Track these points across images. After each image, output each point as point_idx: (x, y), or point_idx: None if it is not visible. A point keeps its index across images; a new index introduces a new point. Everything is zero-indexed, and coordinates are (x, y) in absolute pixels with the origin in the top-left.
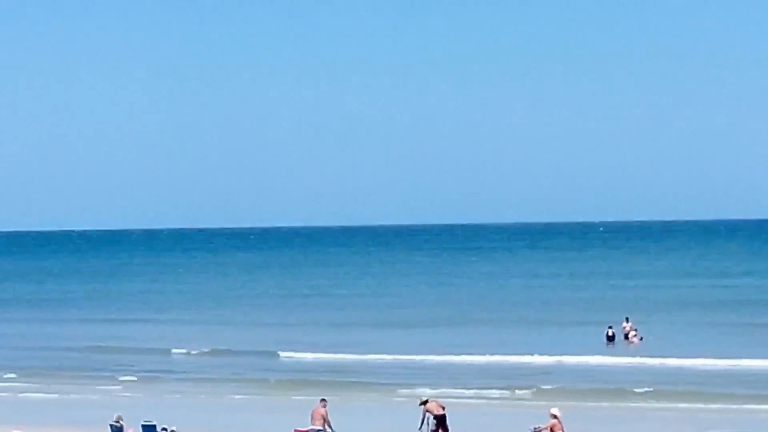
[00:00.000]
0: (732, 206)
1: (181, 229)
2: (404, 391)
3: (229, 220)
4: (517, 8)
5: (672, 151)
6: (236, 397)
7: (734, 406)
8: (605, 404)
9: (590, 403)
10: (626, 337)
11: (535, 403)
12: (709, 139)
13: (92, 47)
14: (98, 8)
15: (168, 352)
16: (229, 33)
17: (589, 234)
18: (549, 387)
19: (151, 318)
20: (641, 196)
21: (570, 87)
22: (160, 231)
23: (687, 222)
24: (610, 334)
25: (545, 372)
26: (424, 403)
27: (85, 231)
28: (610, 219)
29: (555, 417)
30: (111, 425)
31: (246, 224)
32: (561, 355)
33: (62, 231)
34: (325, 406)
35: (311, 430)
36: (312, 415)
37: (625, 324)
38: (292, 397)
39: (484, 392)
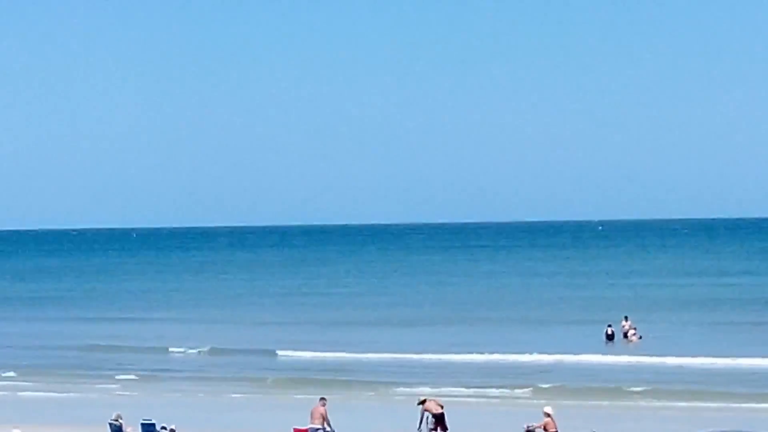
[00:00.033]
0: (731, 205)
1: (179, 228)
2: (403, 389)
3: (228, 219)
4: (518, 7)
5: (671, 150)
6: (235, 395)
7: (734, 405)
8: (604, 403)
9: (589, 402)
10: (625, 335)
11: (534, 401)
12: (708, 138)
13: (92, 46)
14: (98, 7)
15: (167, 350)
16: (229, 32)
17: (588, 233)
18: (548, 386)
19: (150, 317)
20: (640, 194)
21: (570, 86)
22: (159, 230)
23: (686, 220)
24: (609, 332)
25: (544, 371)
26: (422, 402)
27: (83, 230)
28: (609, 218)
29: (548, 415)
30: (110, 424)
31: (245, 223)
32: (560, 353)
33: (60, 230)
34: (324, 405)
35: (310, 428)
36: (311, 414)
37: (624, 323)
38: (291, 396)
39: (483, 391)
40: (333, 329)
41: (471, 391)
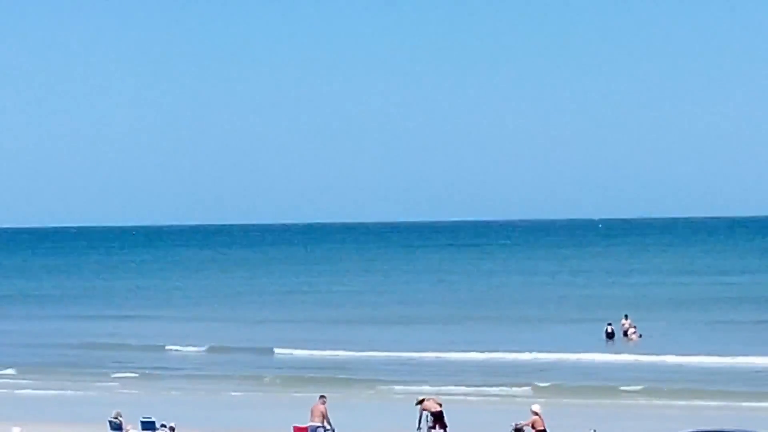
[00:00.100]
0: (732, 203)
1: (180, 225)
2: (402, 388)
3: (229, 217)
4: (519, 7)
5: (671, 149)
6: (234, 393)
7: (733, 404)
8: (604, 401)
9: (589, 401)
10: (625, 334)
11: (533, 400)
12: (709, 137)
13: (93, 46)
14: (99, 7)
15: (167, 348)
16: (229, 30)
17: (588, 231)
18: (547, 384)
19: (149, 315)
20: (641, 193)
21: (571, 85)
22: (159, 228)
23: (687, 219)
24: (609, 331)
25: (544, 369)
26: (420, 402)
27: (83, 227)
28: (609, 216)
29: (536, 414)
30: (110, 422)
31: (245, 221)
32: (560, 352)
33: (60, 227)
34: (324, 403)
35: (310, 426)
36: (311, 412)
37: (624, 321)
38: (291, 394)
39: (483, 389)
40: (333, 327)
41: (470, 389)
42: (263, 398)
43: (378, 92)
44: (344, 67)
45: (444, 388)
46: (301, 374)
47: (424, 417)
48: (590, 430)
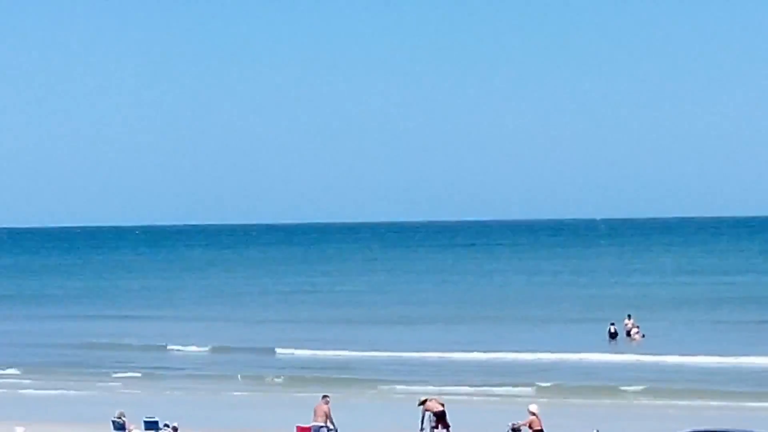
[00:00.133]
0: (734, 203)
1: (183, 225)
2: (404, 387)
3: (232, 217)
4: (520, 5)
5: (675, 148)
6: (237, 393)
7: (736, 404)
8: (606, 401)
9: (591, 400)
10: (628, 334)
11: (536, 400)
12: (711, 136)
13: (93, 45)
14: (99, 5)
15: (169, 349)
16: (229, 30)
17: (590, 231)
18: (550, 384)
19: (152, 315)
20: (643, 193)
21: (571, 85)
22: (163, 227)
23: (689, 219)
24: (612, 331)
25: (546, 369)
26: (423, 403)
27: (86, 227)
28: (612, 216)
29: (533, 414)
30: (113, 421)
31: (248, 221)
32: (562, 352)
33: (63, 227)
34: (327, 403)
35: (314, 426)
36: (315, 412)
37: (627, 321)
38: (293, 394)
39: (485, 389)
40: (334, 327)
41: (473, 389)
42: (265, 398)
43: (382, 90)
44: (344, 67)
45: (446, 388)
46: (303, 374)
47: (426, 417)
48: (593, 430)
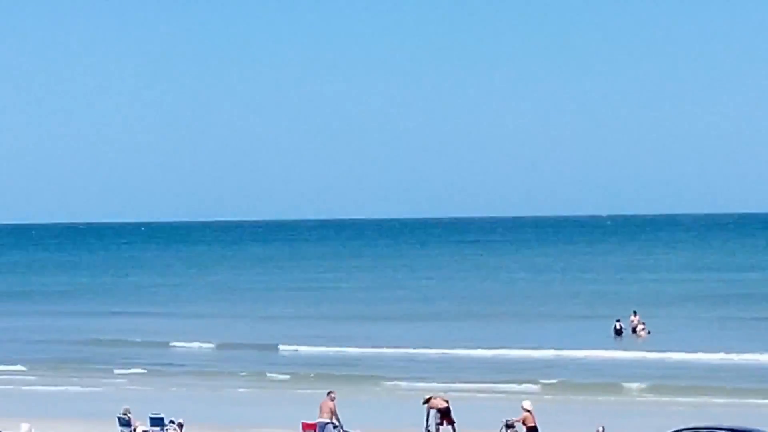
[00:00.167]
0: (741, 200)
1: (190, 222)
2: (408, 384)
3: (238, 214)
4: (520, 5)
5: (680, 145)
6: (242, 390)
7: (740, 401)
8: (611, 398)
9: (596, 397)
10: (634, 330)
11: (541, 396)
12: (717, 133)
13: (93, 44)
14: (99, 5)
15: (174, 345)
16: (229, 30)
17: (596, 227)
18: (555, 381)
19: (158, 311)
20: (649, 189)
21: (578, 82)
22: (169, 224)
23: (695, 215)
24: (618, 327)
25: (551, 366)
26: (427, 401)
27: (92, 223)
28: (617, 212)
29: (527, 410)
30: (119, 418)
31: (253, 217)
32: (568, 348)
33: (69, 224)
34: (333, 399)
35: (319, 423)
36: (320, 408)
37: (633, 318)
38: (297, 391)
39: (490, 386)
40: (340, 324)
41: (478, 386)
42: (270, 395)
43: (385, 88)
44: (344, 67)
45: (451, 385)
46: (307, 371)
47: (431, 415)
48: (597, 426)
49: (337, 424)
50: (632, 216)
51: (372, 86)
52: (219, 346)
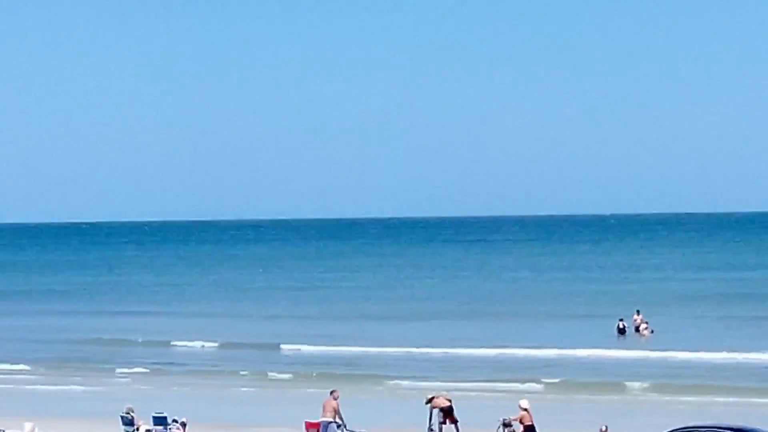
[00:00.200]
0: (743, 198)
1: (193, 221)
2: (411, 383)
3: (238, 212)
4: (520, 5)
5: (683, 144)
6: (244, 389)
7: (743, 400)
8: (614, 397)
9: (599, 396)
10: (637, 329)
11: (544, 396)
12: (720, 131)
13: (94, 44)
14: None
15: (177, 344)
16: (229, 30)
17: (599, 227)
18: (557, 380)
19: (160, 311)
20: (652, 188)
21: (579, 81)
22: (173, 223)
23: (698, 214)
24: (621, 326)
25: (554, 365)
26: (430, 401)
27: (96, 223)
28: (621, 211)
29: (524, 409)
30: (122, 417)
31: (255, 216)
32: (570, 348)
33: (71, 223)
34: (336, 398)
35: (322, 422)
36: (323, 407)
37: (636, 317)
38: (300, 390)
39: (492, 385)
40: (342, 323)
41: (480, 385)
42: (272, 394)
43: (387, 86)
44: (344, 67)
45: (453, 384)
46: (309, 370)
47: (434, 414)
48: (600, 425)
49: (340, 423)
50: (635, 215)
51: (372, 86)
52: (221, 346)
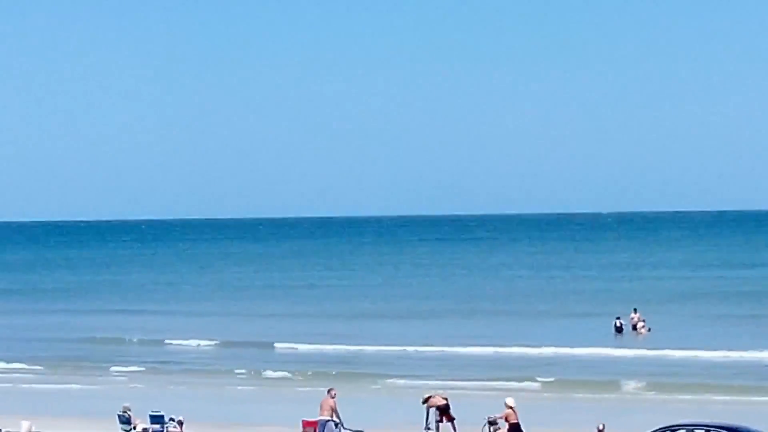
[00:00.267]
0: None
1: (190, 219)
2: (407, 382)
3: (236, 211)
4: (520, 5)
5: (680, 142)
6: (241, 388)
7: (740, 398)
8: (611, 396)
9: (597, 395)
10: (634, 328)
11: (541, 394)
12: (717, 130)
13: (95, 43)
14: (99, 5)
15: (173, 343)
16: (229, 30)
17: (597, 225)
18: (555, 378)
19: (156, 309)
20: (650, 187)
21: (578, 80)
22: (170, 221)
23: (696, 212)
24: (618, 325)
25: (551, 363)
26: (426, 400)
27: (91, 221)
28: (618, 210)
29: (510, 407)
30: (119, 416)
31: (252, 215)
32: (568, 346)
33: (69, 221)
34: (333, 397)
35: (320, 420)
36: (321, 406)
37: (633, 315)
38: (297, 389)
39: (490, 384)
40: (338, 321)
41: (477, 383)
42: (268, 392)
43: (387, 85)
44: (344, 67)
45: (450, 383)
46: (306, 369)
47: (431, 413)
48: (597, 424)
49: (337, 421)
50: (633, 213)
51: (372, 86)
52: (217, 344)
